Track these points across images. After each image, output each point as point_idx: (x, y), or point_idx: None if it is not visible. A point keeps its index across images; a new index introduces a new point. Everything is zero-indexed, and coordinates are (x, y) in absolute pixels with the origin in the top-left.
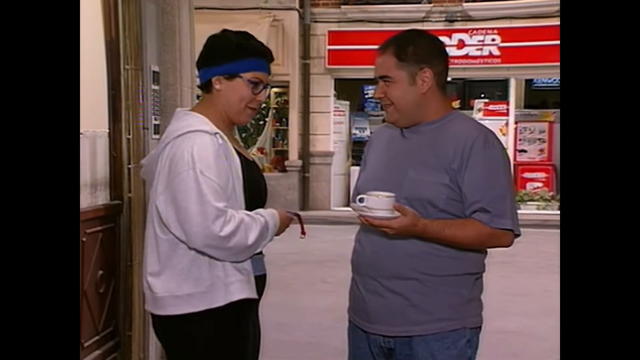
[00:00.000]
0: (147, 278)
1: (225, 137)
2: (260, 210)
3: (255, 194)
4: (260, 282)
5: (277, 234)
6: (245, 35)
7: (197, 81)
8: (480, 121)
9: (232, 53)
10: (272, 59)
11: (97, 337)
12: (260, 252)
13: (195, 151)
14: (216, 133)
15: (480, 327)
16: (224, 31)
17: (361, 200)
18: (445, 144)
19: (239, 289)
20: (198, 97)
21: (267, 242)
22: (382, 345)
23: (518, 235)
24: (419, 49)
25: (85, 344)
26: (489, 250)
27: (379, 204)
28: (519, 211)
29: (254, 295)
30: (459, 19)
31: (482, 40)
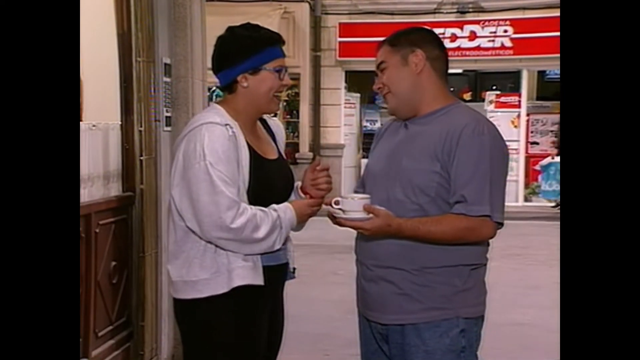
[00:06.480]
0: (166, 263)
1: (238, 129)
2: (274, 205)
3: (263, 193)
4: (278, 271)
5: (300, 222)
6: (254, 27)
7: (216, 80)
8: (492, 113)
9: (250, 48)
10: (283, 42)
11: (110, 327)
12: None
13: (206, 143)
14: (227, 124)
15: (480, 317)
16: (230, 29)
17: (337, 202)
18: (438, 132)
19: (241, 275)
20: (209, 89)
21: (282, 236)
22: (381, 332)
23: (501, 225)
24: (411, 35)
25: (99, 334)
26: (502, 243)
27: (352, 205)
28: (530, 204)
29: (259, 282)
30: (470, 10)
31: (494, 32)
